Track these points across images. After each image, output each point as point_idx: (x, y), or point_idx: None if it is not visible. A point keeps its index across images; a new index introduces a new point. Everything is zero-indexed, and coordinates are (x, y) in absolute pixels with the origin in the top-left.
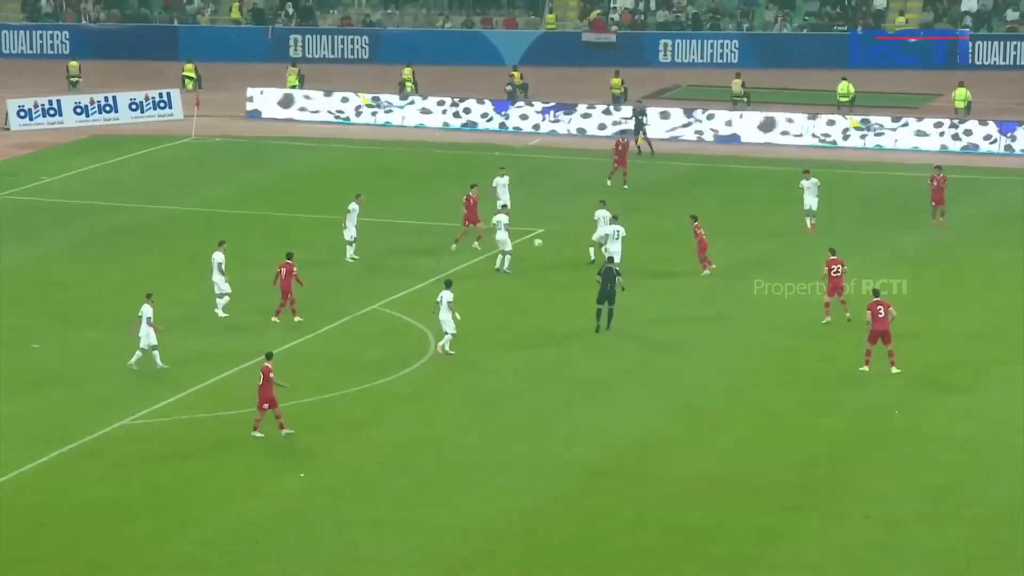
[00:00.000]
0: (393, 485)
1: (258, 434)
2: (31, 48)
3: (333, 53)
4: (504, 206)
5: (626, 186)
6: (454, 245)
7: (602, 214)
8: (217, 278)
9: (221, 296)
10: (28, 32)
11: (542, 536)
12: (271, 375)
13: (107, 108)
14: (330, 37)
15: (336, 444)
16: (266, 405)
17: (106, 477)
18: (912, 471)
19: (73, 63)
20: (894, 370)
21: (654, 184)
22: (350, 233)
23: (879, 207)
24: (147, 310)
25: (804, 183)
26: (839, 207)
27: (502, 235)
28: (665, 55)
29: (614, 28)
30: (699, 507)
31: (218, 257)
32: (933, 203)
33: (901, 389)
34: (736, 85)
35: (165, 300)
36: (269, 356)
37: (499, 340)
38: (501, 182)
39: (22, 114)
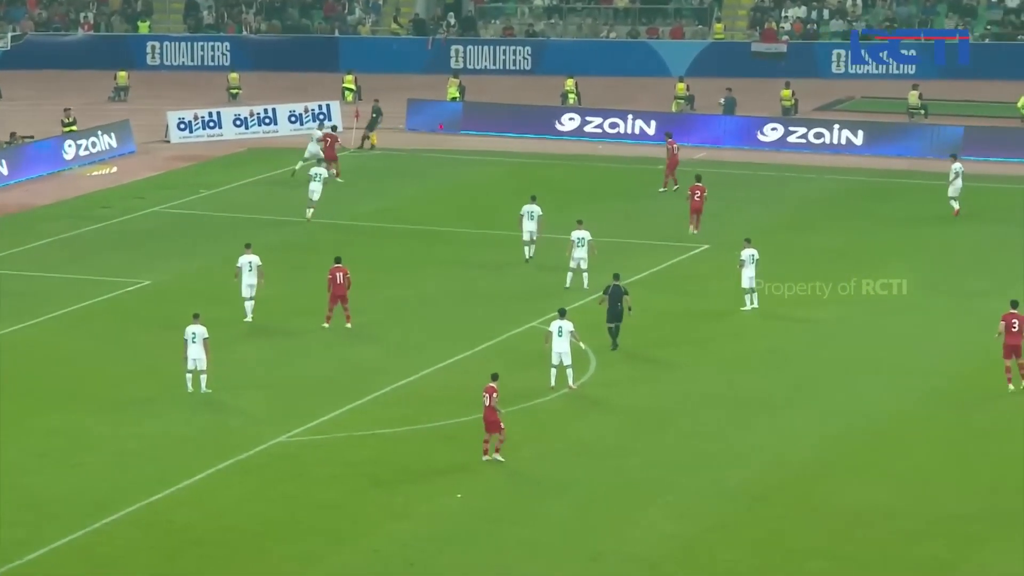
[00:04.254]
0: (551, 508)
1: (499, 457)
2: (192, 60)
3: (495, 64)
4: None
5: (664, 189)
6: None
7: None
8: (253, 279)
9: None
10: (189, 44)
11: (704, 564)
12: (495, 396)
13: (266, 120)
14: (492, 48)
15: (493, 465)
16: (493, 429)
17: (261, 495)
18: None
19: (233, 75)
20: (1010, 388)
21: (821, 200)
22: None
23: None
24: (201, 331)
25: (954, 166)
26: None
27: (583, 252)
28: (838, 66)
29: (785, 38)
30: (870, 537)
31: (255, 259)
32: None
33: None
34: (913, 97)
35: (319, 317)
36: (495, 377)
37: (657, 362)
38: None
39: (182, 126)
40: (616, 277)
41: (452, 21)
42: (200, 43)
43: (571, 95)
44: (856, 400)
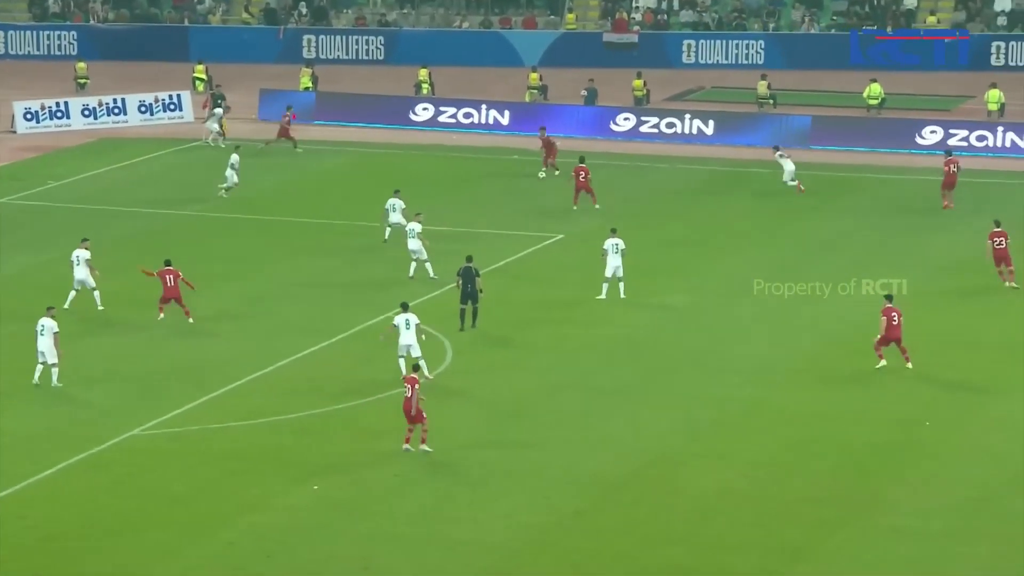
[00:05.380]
0: (409, 498)
1: (427, 448)
2: (38, 49)
3: (348, 54)
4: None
5: (547, 173)
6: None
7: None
8: (82, 274)
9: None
10: (35, 32)
11: (562, 551)
12: (417, 387)
13: (116, 110)
14: (344, 37)
15: (351, 456)
16: (418, 419)
17: (114, 489)
18: (942, 485)
19: (81, 64)
20: (909, 365)
21: (673, 189)
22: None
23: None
24: (51, 324)
25: (776, 155)
26: None
27: (416, 243)
28: (689, 56)
29: (636, 28)
30: (723, 522)
31: (83, 254)
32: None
33: (931, 399)
34: (762, 87)
35: (171, 306)
36: (416, 368)
37: (513, 350)
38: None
39: (29, 116)
40: (469, 259)
41: (304, 11)
42: (46, 32)
43: (425, 85)
44: (709, 388)
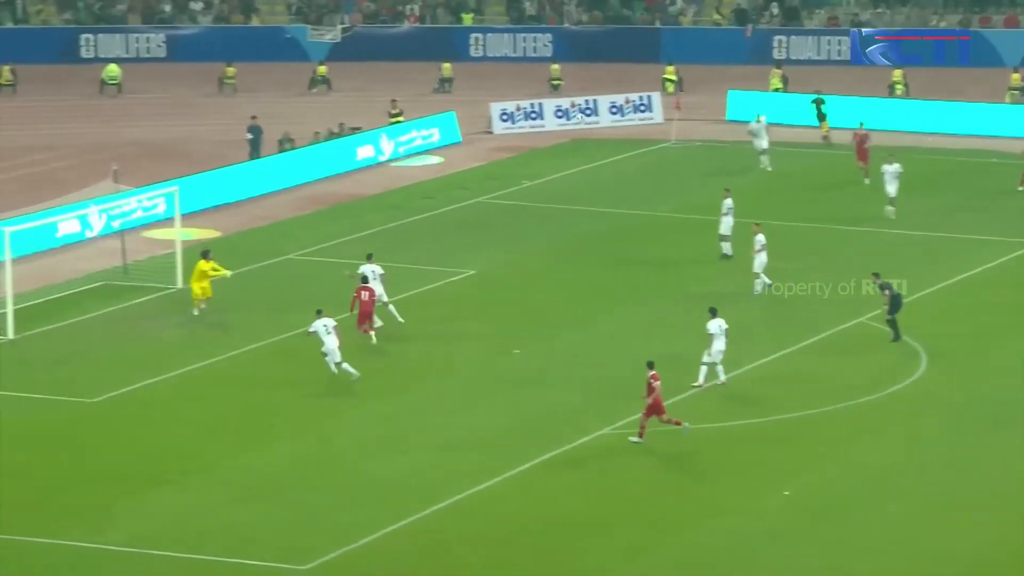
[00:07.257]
0: (880, 507)
1: (642, 439)
2: (514, 51)
3: (818, 54)
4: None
5: (866, 180)
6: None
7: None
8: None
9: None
10: (512, 35)
11: None
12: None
13: (588, 111)
14: (815, 38)
15: (821, 463)
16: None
17: (584, 487)
18: None
19: (555, 66)
20: None
21: None
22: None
23: None
24: (332, 323)
25: (886, 167)
26: None
27: (763, 257)
28: None
29: None
30: None
31: (377, 269)
32: None
33: None
34: None
35: (635, 307)
36: (651, 365)
37: (990, 357)
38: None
39: (504, 117)
40: (877, 275)
41: (775, 11)
42: (522, 35)
43: (899, 86)
44: None
